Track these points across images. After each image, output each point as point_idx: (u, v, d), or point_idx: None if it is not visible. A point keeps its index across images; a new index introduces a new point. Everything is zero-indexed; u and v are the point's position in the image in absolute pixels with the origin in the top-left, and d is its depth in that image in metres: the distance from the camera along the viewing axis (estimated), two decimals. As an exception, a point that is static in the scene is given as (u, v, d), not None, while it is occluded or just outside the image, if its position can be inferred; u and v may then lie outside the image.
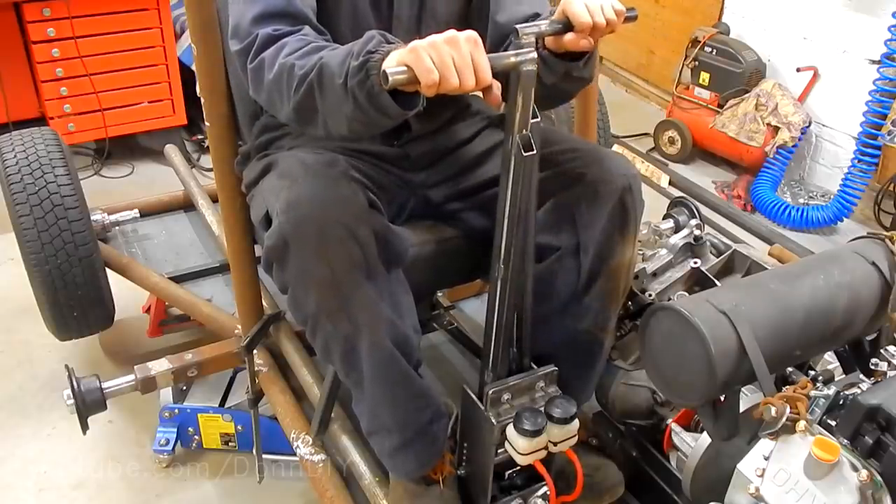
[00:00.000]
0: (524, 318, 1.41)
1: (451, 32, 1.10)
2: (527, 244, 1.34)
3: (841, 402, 1.17)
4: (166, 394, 2.18)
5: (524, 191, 1.26)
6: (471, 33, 1.11)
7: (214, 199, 2.47)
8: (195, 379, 2.09)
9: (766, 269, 1.66)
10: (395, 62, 1.08)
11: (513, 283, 1.34)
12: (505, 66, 1.16)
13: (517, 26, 1.22)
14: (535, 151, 1.22)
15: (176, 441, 2.12)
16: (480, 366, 1.44)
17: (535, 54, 1.17)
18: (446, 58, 1.07)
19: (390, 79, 1.07)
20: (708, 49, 3.90)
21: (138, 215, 2.61)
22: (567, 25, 1.26)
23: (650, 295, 1.67)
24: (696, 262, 1.71)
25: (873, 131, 3.22)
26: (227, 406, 2.18)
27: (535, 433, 1.33)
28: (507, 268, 1.32)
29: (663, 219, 1.93)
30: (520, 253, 1.32)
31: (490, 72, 1.11)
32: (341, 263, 1.27)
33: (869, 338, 1.36)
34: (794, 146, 3.61)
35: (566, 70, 1.35)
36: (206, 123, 1.65)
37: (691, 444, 1.41)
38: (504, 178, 1.27)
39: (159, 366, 1.97)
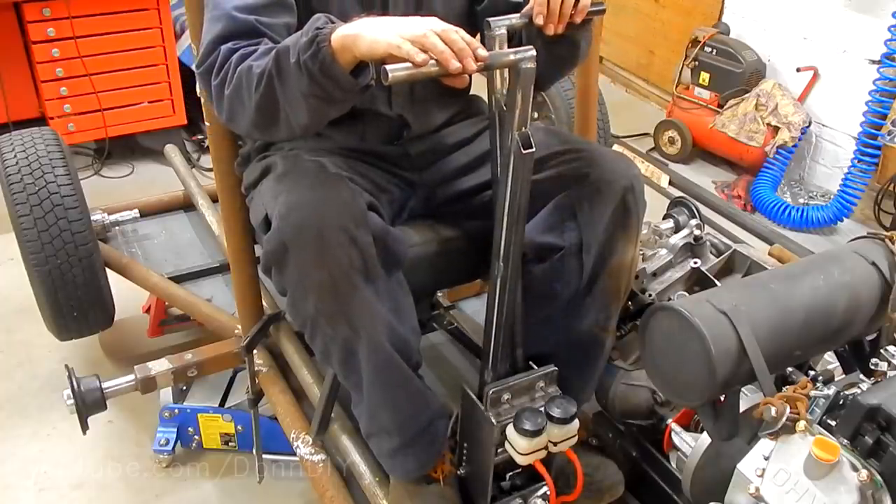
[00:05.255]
0: (516, 316, 1.41)
1: (434, 21, 1.13)
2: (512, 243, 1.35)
3: (841, 402, 1.17)
4: (166, 394, 2.18)
5: (523, 188, 1.27)
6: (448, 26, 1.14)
7: (214, 199, 2.47)
8: (195, 379, 2.09)
9: (766, 269, 1.66)
10: (368, 51, 1.12)
11: (512, 280, 1.34)
12: (503, 64, 1.19)
13: (488, 19, 1.26)
14: (533, 149, 1.24)
15: (176, 441, 2.12)
16: (480, 365, 1.44)
17: (534, 52, 1.19)
18: (439, 46, 1.11)
19: (391, 76, 1.09)
20: (708, 49, 3.90)
21: (138, 215, 2.61)
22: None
23: (650, 295, 1.67)
24: (696, 262, 1.71)
25: (873, 131, 3.22)
26: (227, 406, 2.18)
27: (535, 433, 1.33)
28: (507, 266, 1.33)
29: (663, 219, 1.93)
30: (519, 251, 1.33)
31: (475, 42, 1.16)
32: (340, 267, 1.27)
33: (869, 338, 1.36)
34: (794, 146, 3.61)
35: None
36: (206, 123, 1.65)
37: (691, 444, 1.41)
38: (503, 175, 1.27)
39: (159, 366, 1.97)
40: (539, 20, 1.30)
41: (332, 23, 1.17)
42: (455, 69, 1.12)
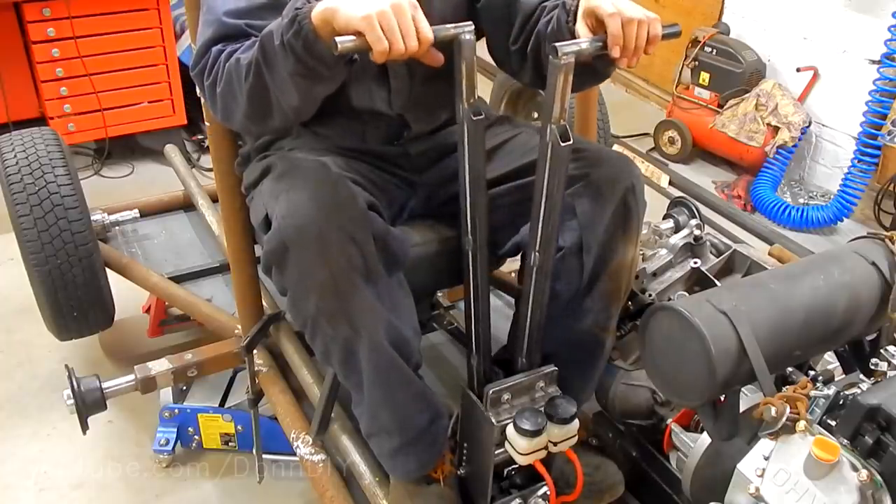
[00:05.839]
0: (538, 314, 1.42)
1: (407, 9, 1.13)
2: (548, 237, 1.35)
3: (841, 402, 1.17)
4: (166, 394, 2.18)
5: (478, 154, 1.29)
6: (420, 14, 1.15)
7: (214, 199, 2.47)
8: (195, 379, 2.09)
9: (766, 269, 1.66)
10: (345, 24, 1.12)
11: (482, 255, 1.36)
12: (445, 37, 1.21)
13: (556, 45, 1.22)
14: (482, 116, 1.26)
15: (176, 441, 2.12)
16: (466, 353, 1.45)
17: (472, 26, 1.22)
18: (394, 25, 1.12)
19: (339, 46, 1.12)
20: (708, 49, 3.90)
21: (138, 215, 2.61)
22: (606, 43, 1.26)
23: (650, 295, 1.67)
24: (696, 262, 1.71)
25: (873, 131, 3.22)
26: (227, 406, 2.18)
27: (535, 433, 1.33)
28: (476, 238, 1.34)
29: (663, 219, 1.93)
30: (485, 222, 1.34)
31: (431, 32, 1.16)
32: (341, 267, 1.27)
33: (869, 338, 1.36)
34: (794, 146, 3.61)
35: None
36: (207, 123, 1.65)
37: (691, 444, 1.41)
38: (460, 146, 1.30)
39: (159, 366, 1.97)
40: (615, 52, 1.26)
41: (310, 2, 1.18)
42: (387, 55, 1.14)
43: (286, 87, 1.24)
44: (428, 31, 1.16)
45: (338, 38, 1.12)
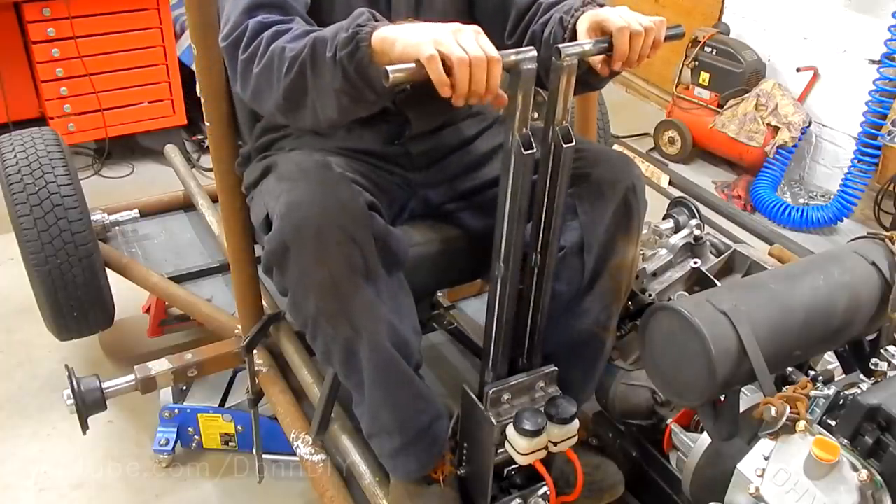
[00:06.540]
0: (540, 316, 1.41)
1: (473, 44, 1.07)
2: (550, 239, 1.34)
3: (841, 402, 1.17)
4: (166, 394, 2.18)
5: (524, 188, 1.25)
6: (489, 46, 1.09)
7: (214, 199, 2.47)
8: (195, 379, 2.09)
9: (766, 269, 1.66)
10: (401, 52, 1.07)
11: (513, 281, 1.34)
12: (505, 65, 1.14)
13: (559, 46, 1.20)
14: (534, 150, 1.21)
15: (176, 441, 2.12)
16: (481, 365, 1.44)
17: (534, 53, 1.15)
18: (465, 72, 1.07)
19: (391, 76, 1.05)
20: (708, 49, 3.90)
21: (138, 215, 2.61)
22: (610, 45, 1.25)
23: (650, 295, 1.67)
24: (696, 262, 1.71)
25: (873, 131, 3.23)
26: (227, 406, 2.18)
27: (535, 433, 1.33)
28: (508, 266, 1.32)
29: (663, 219, 1.93)
30: (519, 251, 1.32)
31: (498, 84, 1.10)
32: (341, 267, 1.27)
33: (869, 338, 1.36)
34: (794, 146, 3.61)
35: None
36: (206, 123, 1.65)
37: (691, 444, 1.41)
38: (504, 176, 1.25)
39: (159, 366, 1.97)
40: (617, 66, 1.27)
41: (375, 20, 1.14)
42: (456, 104, 1.11)
43: (327, 100, 1.19)
44: (497, 82, 1.09)
45: (389, 68, 1.05)
